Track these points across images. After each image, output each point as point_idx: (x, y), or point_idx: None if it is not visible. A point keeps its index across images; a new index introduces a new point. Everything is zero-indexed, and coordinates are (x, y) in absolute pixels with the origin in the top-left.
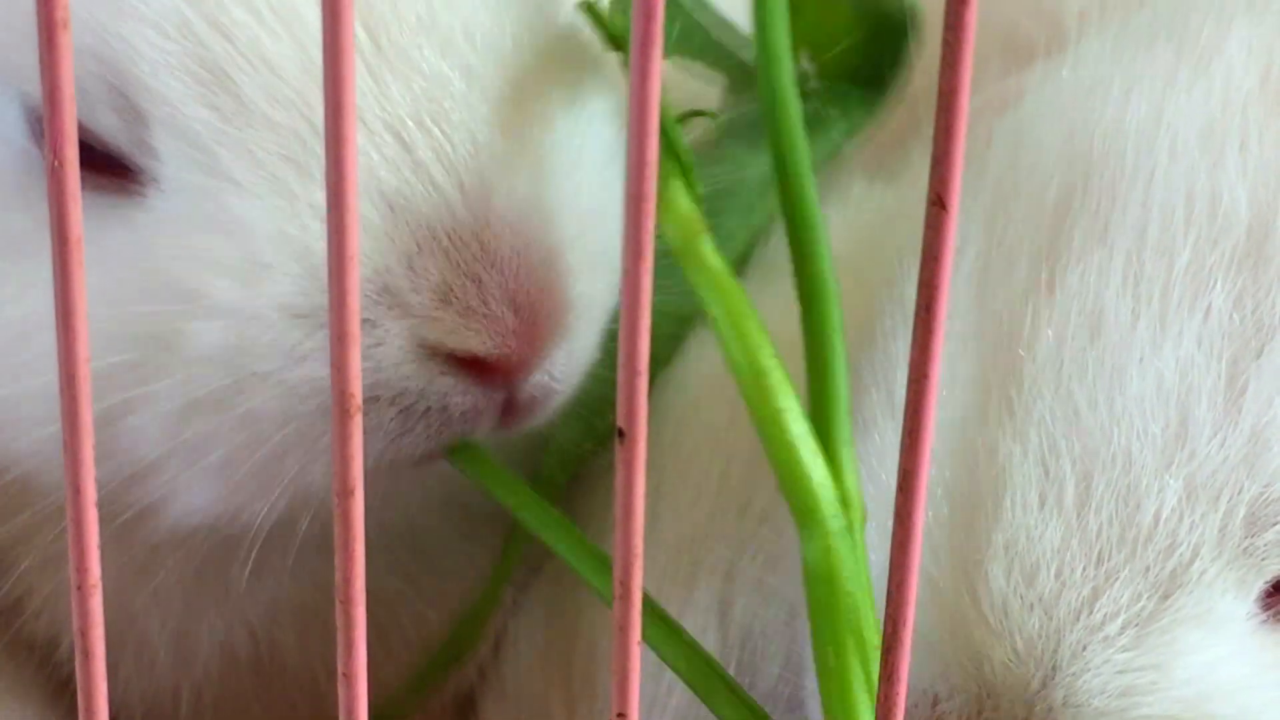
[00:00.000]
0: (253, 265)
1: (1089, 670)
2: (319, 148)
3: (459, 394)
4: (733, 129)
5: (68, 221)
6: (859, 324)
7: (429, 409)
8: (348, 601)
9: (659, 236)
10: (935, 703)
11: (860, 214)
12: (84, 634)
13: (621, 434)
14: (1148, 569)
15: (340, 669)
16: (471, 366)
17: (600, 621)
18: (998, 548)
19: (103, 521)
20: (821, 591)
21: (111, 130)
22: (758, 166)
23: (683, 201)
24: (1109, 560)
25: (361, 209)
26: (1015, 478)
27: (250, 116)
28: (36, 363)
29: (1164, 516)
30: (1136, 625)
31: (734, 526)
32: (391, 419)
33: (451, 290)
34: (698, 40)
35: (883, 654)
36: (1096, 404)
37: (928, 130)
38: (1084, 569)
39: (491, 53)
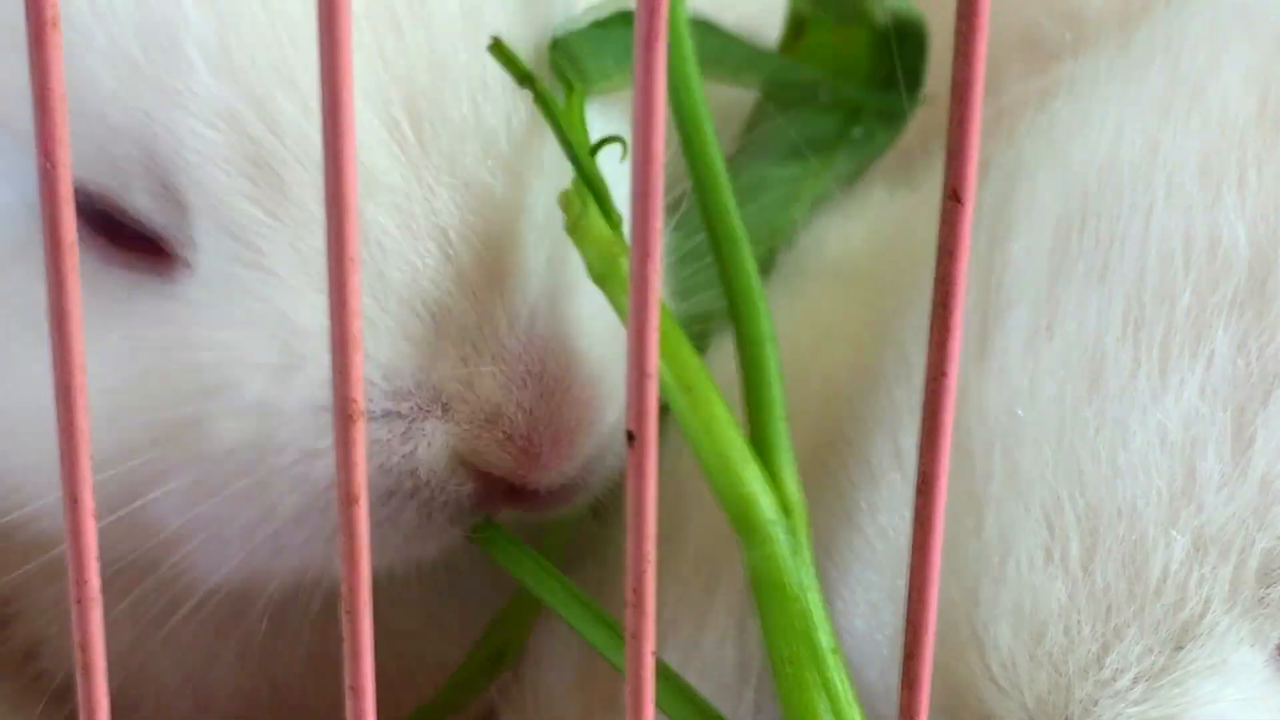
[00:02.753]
0: (287, 361)
1: None
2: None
3: (481, 494)
4: (757, 142)
5: (60, 226)
6: (876, 336)
7: (447, 503)
8: (353, 612)
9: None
10: None
11: (879, 222)
12: (84, 649)
13: (631, 437)
14: (1158, 623)
15: (347, 681)
16: (492, 477)
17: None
18: (1004, 607)
19: (123, 590)
20: (768, 600)
21: (147, 212)
22: (781, 177)
23: (598, 228)
24: (1117, 616)
25: (404, 316)
26: (1019, 535)
27: (295, 212)
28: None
29: (1172, 571)
30: (1148, 679)
31: None
32: (412, 513)
33: (501, 412)
34: (729, 59)
35: (905, 660)
36: (1099, 458)
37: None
38: (1092, 625)
39: (530, 154)
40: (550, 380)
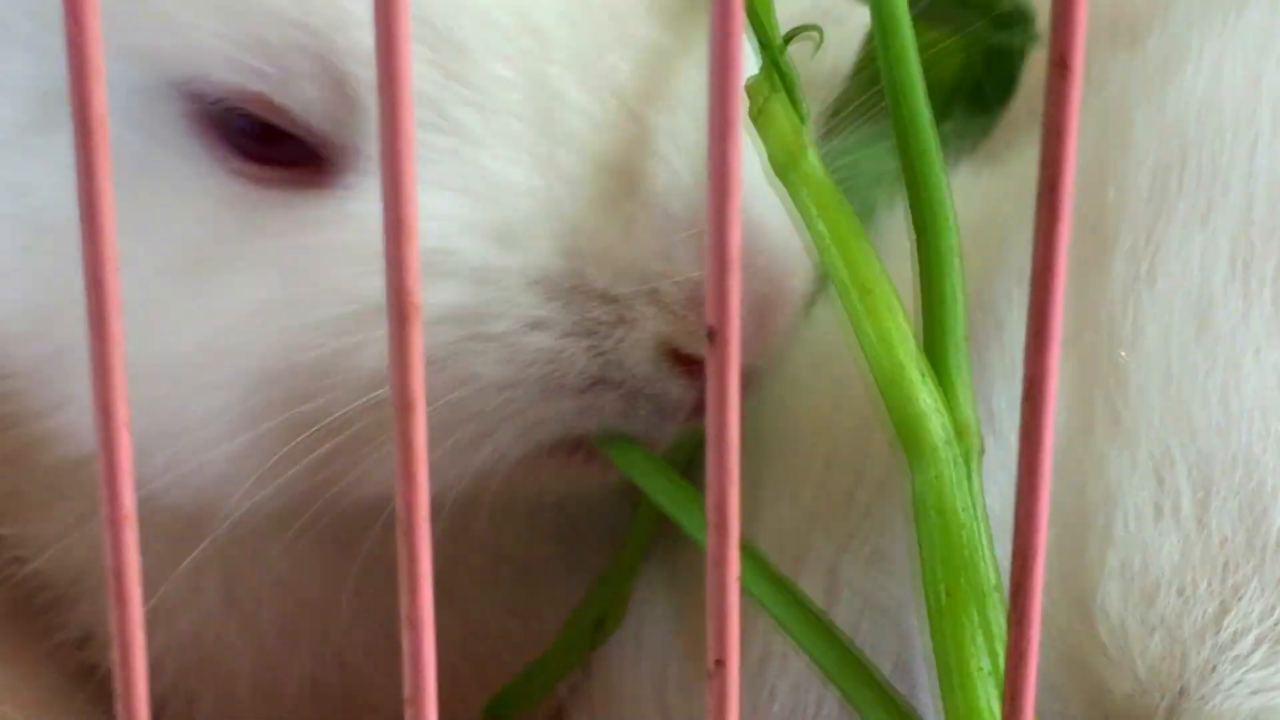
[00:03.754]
0: (501, 225)
1: (1219, 693)
2: (556, 109)
3: (680, 390)
4: (845, 125)
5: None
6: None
7: (648, 397)
8: (411, 534)
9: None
10: None
11: (966, 200)
12: (118, 575)
13: (712, 334)
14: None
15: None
16: (696, 366)
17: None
18: (1112, 568)
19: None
20: (931, 524)
21: (307, 108)
22: (868, 159)
23: (783, 118)
24: (1236, 572)
25: (600, 179)
26: (1126, 490)
27: (479, 74)
28: (227, 381)
29: None
30: (1271, 641)
31: (838, 521)
32: (613, 403)
33: (702, 290)
34: None
35: (1011, 594)
36: (1210, 403)
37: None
38: (1208, 583)
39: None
40: (750, 254)
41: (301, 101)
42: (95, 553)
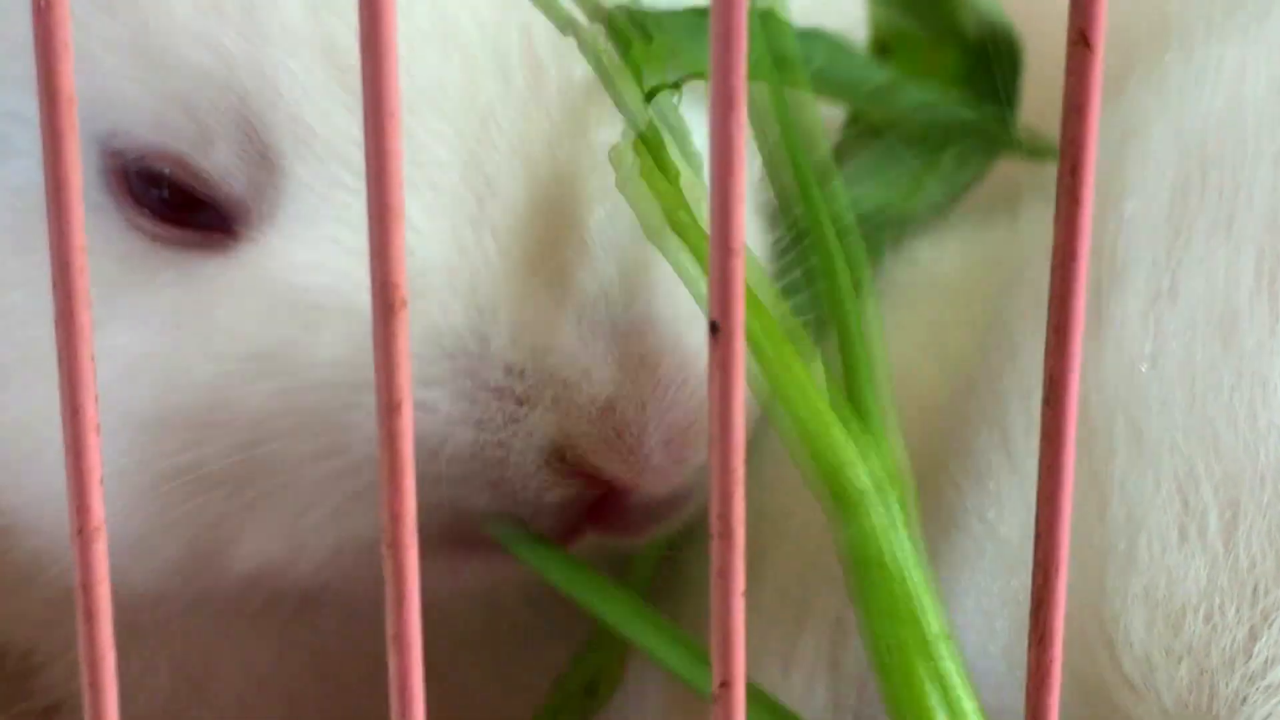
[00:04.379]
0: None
1: None
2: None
3: (560, 492)
4: (843, 166)
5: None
6: (974, 340)
7: (523, 490)
8: (397, 547)
9: None
10: None
11: (975, 242)
12: (87, 589)
13: (715, 328)
14: None
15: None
16: (590, 479)
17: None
18: (1135, 594)
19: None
20: (866, 581)
21: (224, 169)
22: (868, 205)
23: (653, 180)
24: (1266, 596)
25: (523, 272)
26: (1149, 513)
27: (421, 154)
28: (107, 434)
29: None
30: None
31: (841, 575)
32: (487, 485)
33: (615, 405)
34: (832, 77)
35: (1033, 612)
36: (1236, 420)
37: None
38: (1237, 609)
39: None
40: (665, 372)
41: (219, 164)
42: (47, 618)
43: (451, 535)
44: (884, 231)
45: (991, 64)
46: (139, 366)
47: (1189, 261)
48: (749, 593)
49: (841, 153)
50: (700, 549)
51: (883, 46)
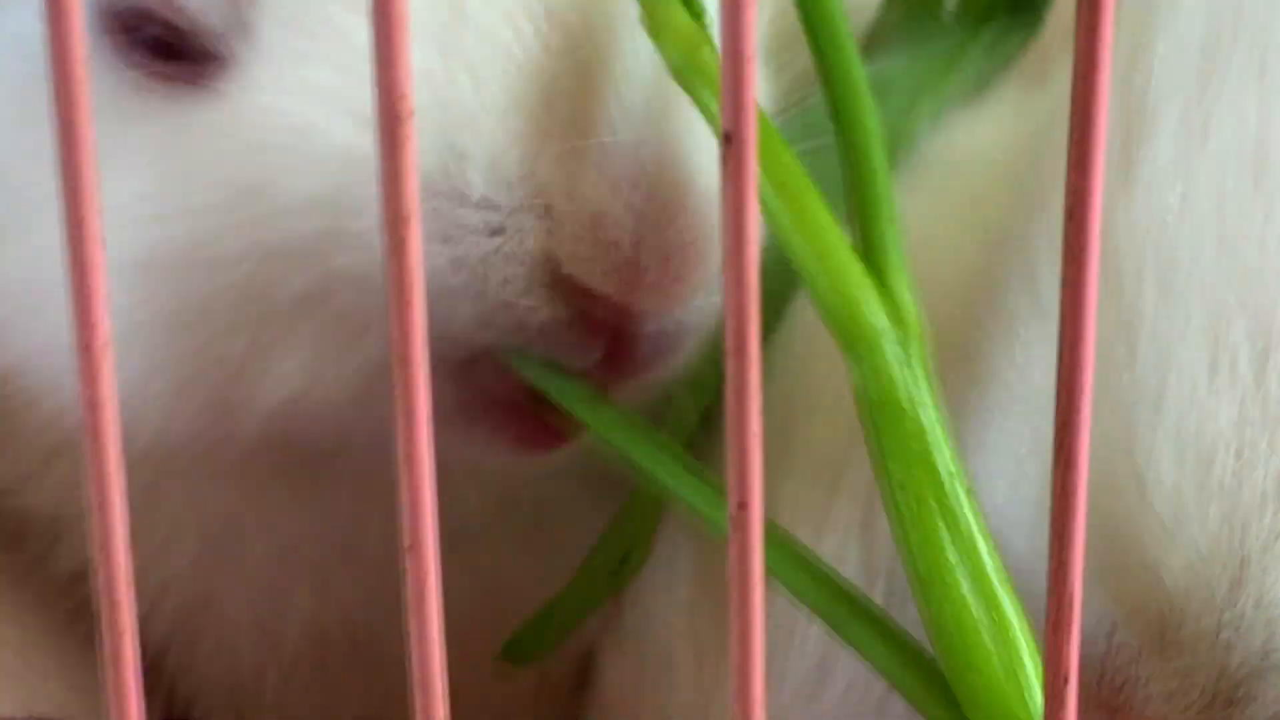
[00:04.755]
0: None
1: None
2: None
3: (550, 316)
4: (878, 46)
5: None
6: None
7: (522, 325)
8: (405, 362)
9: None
10: (1114, 630)
11: (1010, 121)
12: (93, 406)
13: (728, 139)
14: None
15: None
16: (590, 299)
17: None
18: (1166, 432)
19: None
20: (878, 422)
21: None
22: (903, 83)
23: (678, 19)
24: None
25: (506, 93)
26: (1179, 351)
27: None
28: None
29: None
30: None
31: None
32: (471, 318)
33: (607, 216)
34: None
35: (1056, 432)
36: (1268, 251)
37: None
38: (1269, 442)
39: None
40: (664, 189)
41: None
42: (71, 483)
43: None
44: (921, 105)
45: None
46: (127, 208)
47: (1221, 104)
48: (784, 459)
49: (881, 28)
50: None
51: None
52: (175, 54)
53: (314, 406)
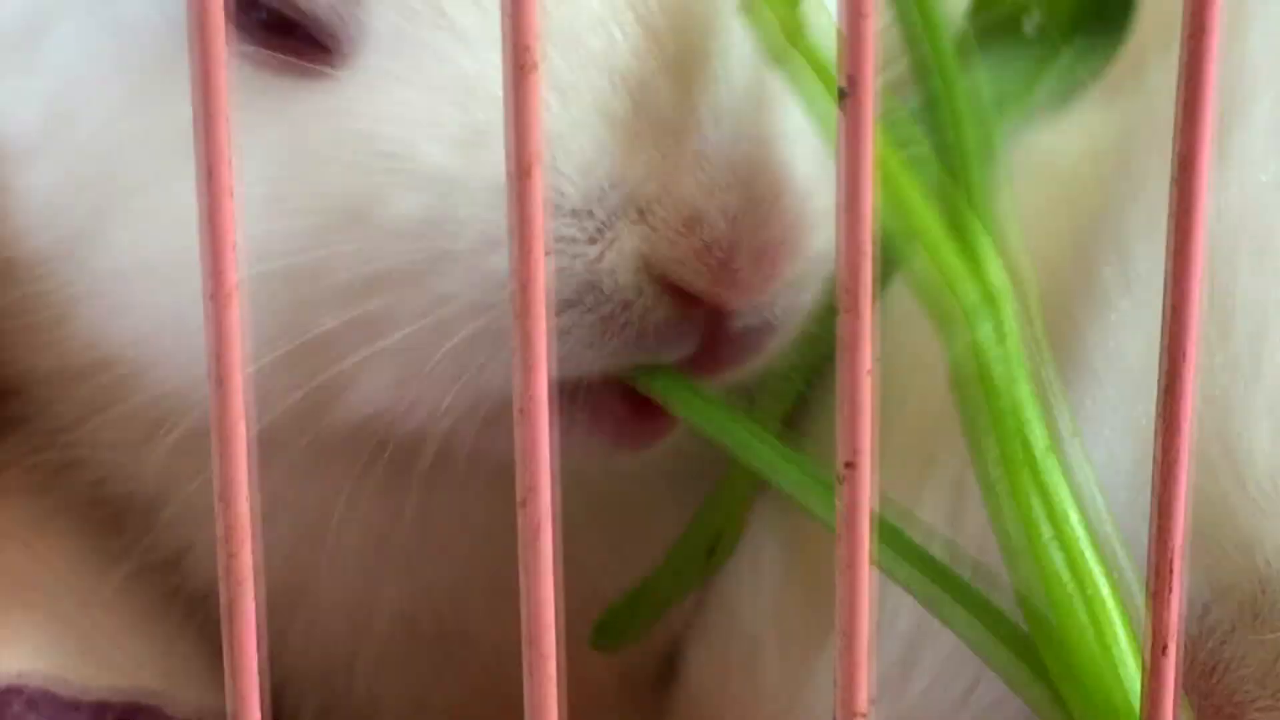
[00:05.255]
0: (472, 129)
1: None
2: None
3: (662, 316)
4: (966, 47)
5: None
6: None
7: (628, 323)
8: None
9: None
10: (1205, 612)
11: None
12: (221, 355)
13: (844, 93)
14: None
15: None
16: (686, 298)
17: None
18: (1260, 409)
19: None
20: (972, 397)
21: None
22: (992, 88)
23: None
24: None
25: (601, 92)
26: (1273, 326)
27: None
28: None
29: None
30: None
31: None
32: (587, 326)
33: (701, 217)
34: None
35: (1161, 397)
36: None
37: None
38: None
39: None
40: (758, 188)
41: None
42: (173, 466)
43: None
44: (1003, 119)
45: None
46: (255, 205)
47: None
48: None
49: (962, 44)
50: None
51: None
52: (287, 38)
53: (402, 420)
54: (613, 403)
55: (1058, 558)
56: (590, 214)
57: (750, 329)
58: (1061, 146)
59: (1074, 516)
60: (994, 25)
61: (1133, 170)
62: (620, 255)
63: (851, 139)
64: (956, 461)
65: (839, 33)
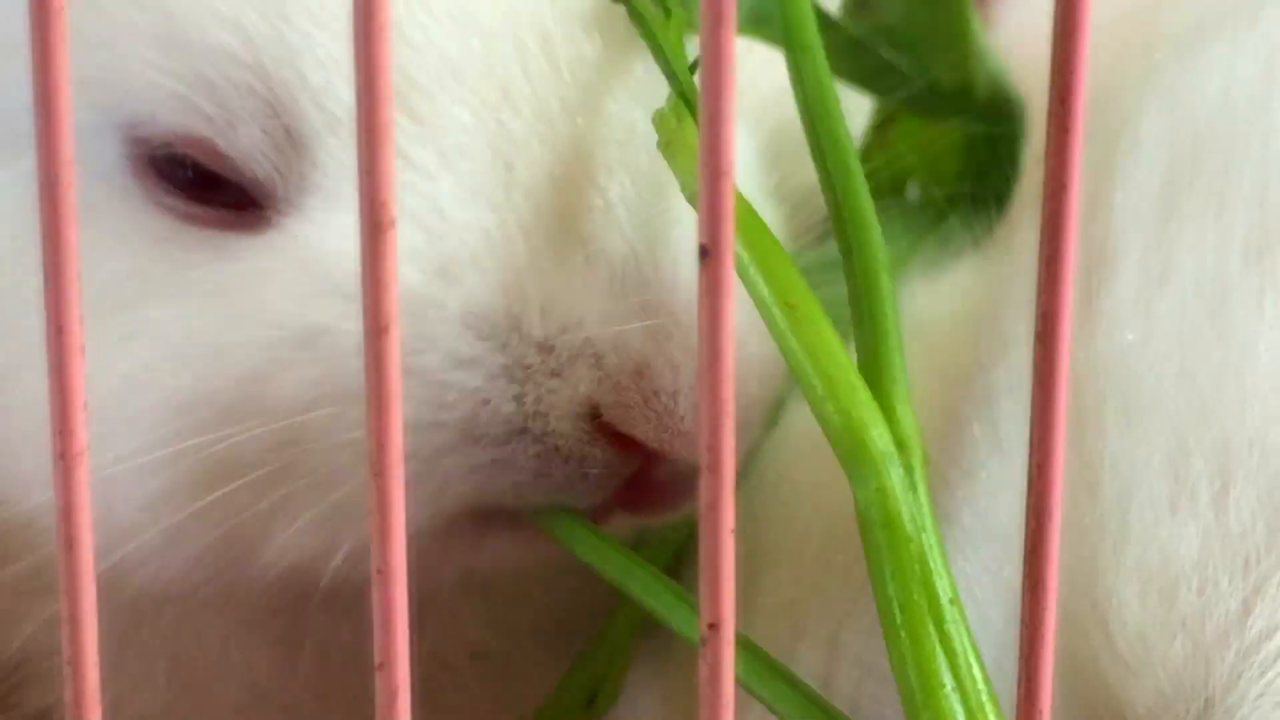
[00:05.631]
0: (435, 265)
1: (1246, 703)
2: (516, 160)
3: (605, 456)
4: None
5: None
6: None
7: (568, 460)
8: (382, 474)
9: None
10: None
11: (971, 279)
12: (68, 516)
13: (705, 252)
14: None
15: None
16: (626, 442)
17: None
18: (1128, 569)
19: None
20: (879, 543)
21: (250, 151)
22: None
23: (695, 145)
24: (1257, 566)
25: (558, 238)
26: (1140, 486)
27: (434, 112)
28: (140, 418)
29: None
30: None
31: (838, 592)
32: (531, 460)
33: (649, 366)
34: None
35: (1026, 558)
36: (1225, 387)
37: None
38: (1229, 579)
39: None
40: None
41: (245, 146)
42: (45, 628)
43: (476, 514)
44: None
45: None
46: (174, 346)
47: (1180, 243)
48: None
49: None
50: None
51: (886, 121)
52: (219, 192)
53: (333, 566)
54: (498, 530)
55: (958, 709)
56: (552, 349)
57: (678, 475)
58: (933, 307)
59: (975, 669)
60: (878, 189)
61: (1001, 329)
62: (573, 395)
63: (712, 298)
64: (830, 620)
65: (700, 190)
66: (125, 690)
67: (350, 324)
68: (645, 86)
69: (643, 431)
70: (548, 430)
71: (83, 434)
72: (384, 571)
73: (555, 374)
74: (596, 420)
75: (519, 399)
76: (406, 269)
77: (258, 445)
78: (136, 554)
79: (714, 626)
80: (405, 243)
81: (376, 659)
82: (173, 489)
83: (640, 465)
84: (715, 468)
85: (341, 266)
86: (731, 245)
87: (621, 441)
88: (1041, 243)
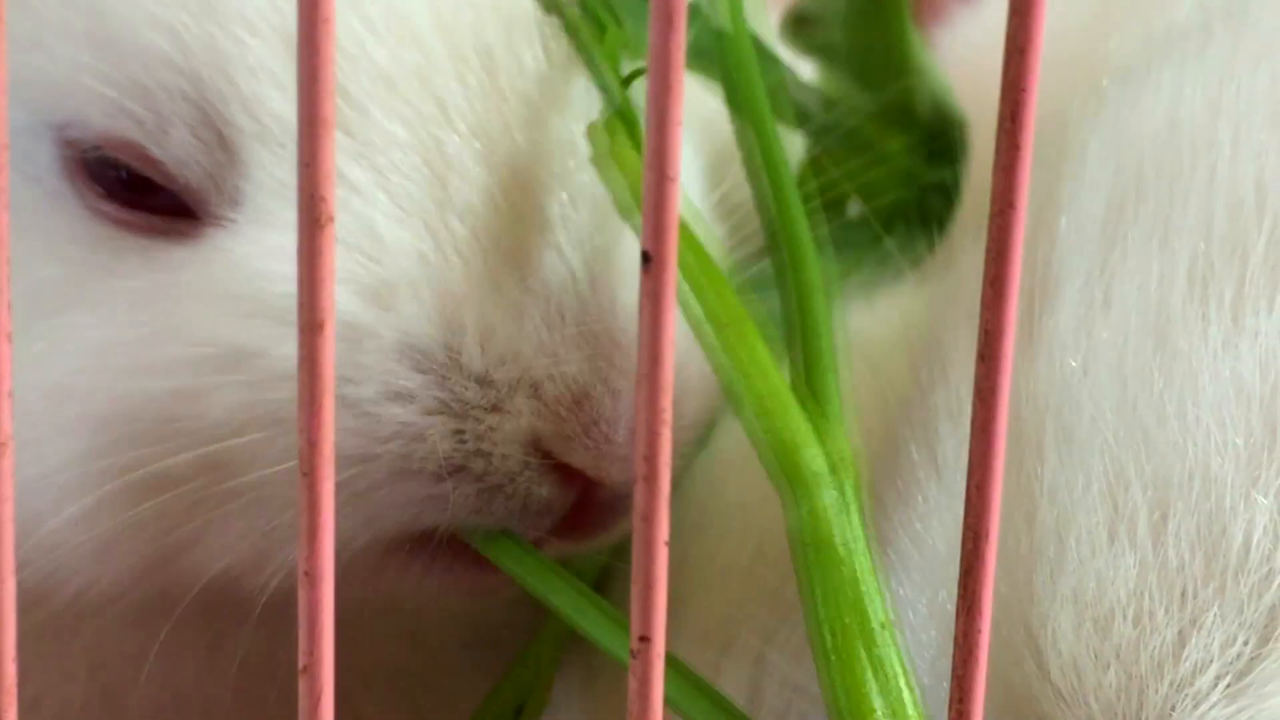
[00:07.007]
0: (375, 281)
1: None
2: (452, 179)
3: (549, 490)
4: None
5: None
6: (904, 398)
7: (513, 495)
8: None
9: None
10: None
11: (910, 301)
12: None
13: (648, 259)
14: (1241, 606)
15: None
16: (568, 472)
17: None
18: (1064, 597)
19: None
20: (812, 564)
21: (181, 158)
22: None
23: (627, 159)
24: (1194, 599)
25: (493, 267)
26: (1078, 515)
27: (367, 124)
28: (69, 427)
29: (1255, 541)
30: (1232, 677)
31: (765, 612)
32: (469, 497)
33: (589, 396)
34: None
35: (961, 579)
36: (1166, 418)
37: (975, 221)
38: (1165, 611)
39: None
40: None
41: (175, 152)
42: None
43: (409, 543)
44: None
45: (939, 149)
46: (103, 355)
47: (1123, 272)
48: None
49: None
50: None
51: (830, 126)
52: (151, 197)
53: (251, 574)
54: (448, 557)
55: None
56: (491, 383)
57: (616, 497)
58: (872, 328)
59: (906, 694)
60: (816, 209)
61: (941, 352)
62: (515, 428)
63: (653, 305)
64: (756, 640)
65: (644, 196)
66: (41, 692)
67: (283, 349)
68: (587, 102)
69: (580, 460)
70: (489, 469)
71: (8, 423)
72: (310, 573)
73: (495, 408)
74: (537, 448)
75: (459, 435)
76: (342, 293)
77: (186, 466)
78: (68, 564)
79: (645, 639)
80: (340, 263)
81: (300, 662)
82: (102, 501)
83: (578, 493)
84: (651, 478)
85: (274, 288)
86: (675, 252)
87: (562, 469)
88: (987, 260)
